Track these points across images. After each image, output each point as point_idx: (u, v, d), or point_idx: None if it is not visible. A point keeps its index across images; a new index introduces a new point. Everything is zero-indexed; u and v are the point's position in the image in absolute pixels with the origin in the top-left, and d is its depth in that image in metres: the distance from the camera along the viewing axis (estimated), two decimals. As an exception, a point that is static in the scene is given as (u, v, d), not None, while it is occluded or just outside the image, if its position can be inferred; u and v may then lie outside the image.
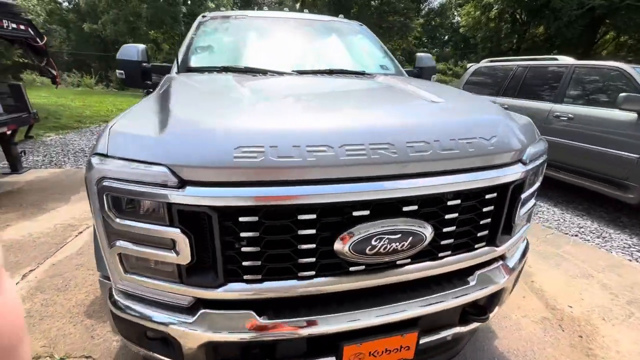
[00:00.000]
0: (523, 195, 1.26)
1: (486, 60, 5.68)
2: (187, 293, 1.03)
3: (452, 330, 1.29)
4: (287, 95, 1.51)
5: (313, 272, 1.04)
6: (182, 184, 0.92)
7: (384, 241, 1.01)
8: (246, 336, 1.03)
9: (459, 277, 1.26)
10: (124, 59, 2.25)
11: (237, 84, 1.57)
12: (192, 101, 1.33)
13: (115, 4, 19.99)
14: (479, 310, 1.33)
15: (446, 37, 37.99)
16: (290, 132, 1.00)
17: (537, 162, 1.31)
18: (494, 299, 1.38)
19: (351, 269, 1.07)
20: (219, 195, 0.91)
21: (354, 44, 2.68)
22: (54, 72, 5.76)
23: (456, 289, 1.22)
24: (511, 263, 1.40)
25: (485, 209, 1.18)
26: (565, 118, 4.15)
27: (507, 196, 1.20)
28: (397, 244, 1.02)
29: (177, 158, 0.93)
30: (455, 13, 32.46)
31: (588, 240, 3.45)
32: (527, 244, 1.60)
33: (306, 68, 2.14)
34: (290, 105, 1.37)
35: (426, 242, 1.07)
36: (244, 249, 0.98)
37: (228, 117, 1.09)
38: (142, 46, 2.29)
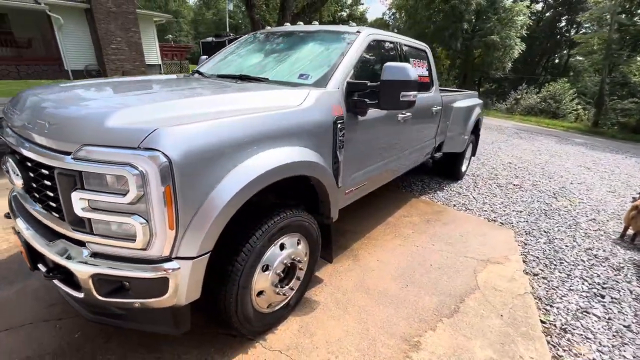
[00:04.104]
0: (82, 194, 1.34)
1: None
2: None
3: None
4: (136, 87, 2.21)
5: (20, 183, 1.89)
6: None
7: (8, 169, 1.68)
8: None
9: (55, 234, 1.56)
10: None
11: (157, 79, 2.46)
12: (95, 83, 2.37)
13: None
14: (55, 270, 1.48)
15: None
16: (22, 103, 1.85)
17: (105, 165, 1.24)
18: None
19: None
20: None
21: (308, 53, 2.54)
22: None
23: (39, 237, 1.54)
24: (102, 262, 1.40)
25: (47, 182, 1.46)
26: None
27: (56, 181, 1.37)
28: (14, 174, 1.65)
29: None
30: None
31: None
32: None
33: (227, 74, 2.57)
34: (100, 92, 2.05)
35: (20, 186, 1.60)
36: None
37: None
38: None
